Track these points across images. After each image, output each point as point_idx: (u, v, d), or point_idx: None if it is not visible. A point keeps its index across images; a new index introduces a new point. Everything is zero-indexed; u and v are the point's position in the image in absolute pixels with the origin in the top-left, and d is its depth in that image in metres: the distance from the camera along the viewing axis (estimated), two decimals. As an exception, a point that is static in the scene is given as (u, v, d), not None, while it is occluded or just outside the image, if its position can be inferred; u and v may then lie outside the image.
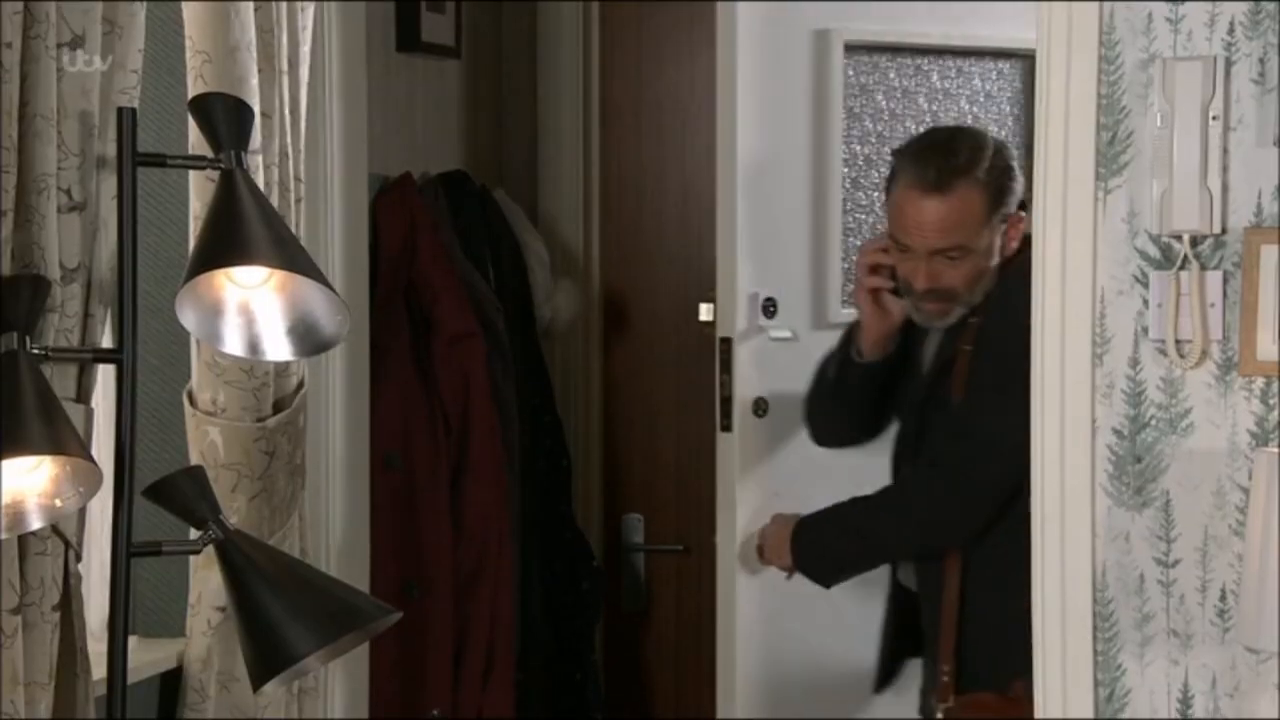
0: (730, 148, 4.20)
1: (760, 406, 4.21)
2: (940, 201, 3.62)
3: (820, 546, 3.85)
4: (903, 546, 3.80)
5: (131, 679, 2.91)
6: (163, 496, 2.79)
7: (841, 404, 3.92)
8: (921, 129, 4.40)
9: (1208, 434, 3.05)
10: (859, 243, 4.24)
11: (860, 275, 3.81)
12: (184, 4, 3.09)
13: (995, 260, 3.67)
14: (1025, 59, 4.58)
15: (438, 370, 4.14)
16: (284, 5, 3.22)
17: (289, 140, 3.25)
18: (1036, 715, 3.13)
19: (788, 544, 3.87)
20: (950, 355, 3.71)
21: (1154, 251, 3.08)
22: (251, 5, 3.12)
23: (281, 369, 3.24)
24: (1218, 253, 3.05)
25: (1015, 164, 3.69)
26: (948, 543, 3.69)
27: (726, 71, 4.21)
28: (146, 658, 3.26)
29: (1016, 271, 3.53)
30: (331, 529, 3.65)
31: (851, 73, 4.46)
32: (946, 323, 3.71)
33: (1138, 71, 3.07)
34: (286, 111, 3.24)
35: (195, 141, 2.99)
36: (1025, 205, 3.64)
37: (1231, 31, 3.01)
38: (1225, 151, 3.03)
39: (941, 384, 3.73)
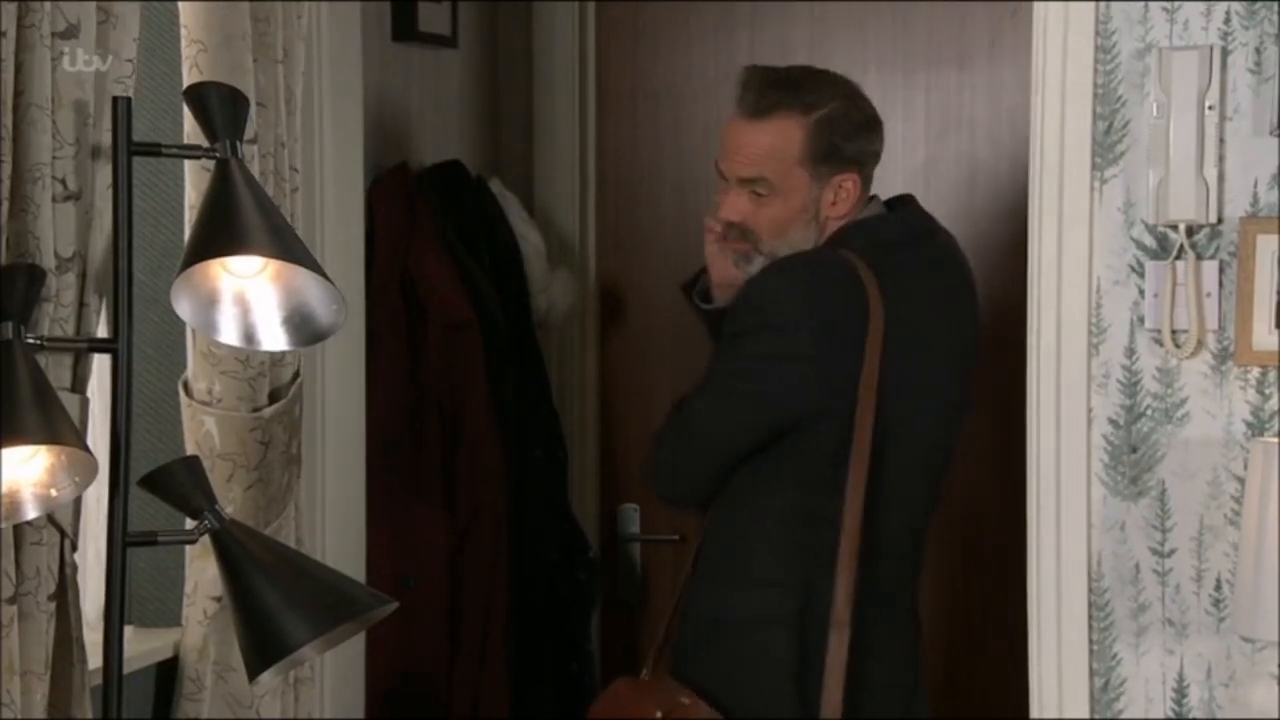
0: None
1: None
2: (753, 127, 3.34)
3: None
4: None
5: (127, 669, 2.91)
6: (158, 486, 2.79)
7: None
8: None
9: (1203, 424, 3.05)
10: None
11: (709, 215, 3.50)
12: (180, -7, 3.09)
13: (812, 220, 3.37)
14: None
15: (433, 360, 4.13)
16: (280, -6, 3.22)
17: (285, 130, 3.25)
18: (1032, 706, 3.13)
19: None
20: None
21: (1150, 241, 3.08)
22: (247, -6, 3.12)
23: (277, 358, 3.24)
24: (1214, 242, 3.05)
25: (869, 128, 3.38)
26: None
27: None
28: (142, 648, 3.26)
29: (796, 257, 3.32)
30: (327, 519, 3.64)
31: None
32: (749, 271, 3.38)
33: (1134, 61, 3.07)
34: (282, 101, 3.24)
35: (191, 131, 2.99)
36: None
37: (1228, 21, 3.01)
38: (1221, 141, 3.03)
39: None
